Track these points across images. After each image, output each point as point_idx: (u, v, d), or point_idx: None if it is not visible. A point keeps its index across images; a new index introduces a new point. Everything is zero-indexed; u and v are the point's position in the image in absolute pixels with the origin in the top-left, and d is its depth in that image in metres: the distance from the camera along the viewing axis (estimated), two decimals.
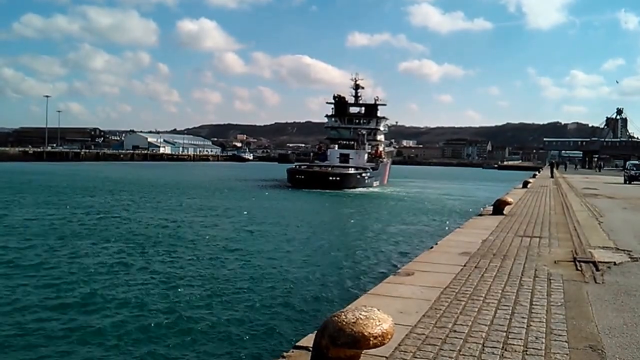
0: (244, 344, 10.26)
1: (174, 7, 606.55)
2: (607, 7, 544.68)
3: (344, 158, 65.13)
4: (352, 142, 68.80)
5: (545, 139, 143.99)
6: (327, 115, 75.91)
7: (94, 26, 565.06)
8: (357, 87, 75.45)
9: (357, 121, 74.18)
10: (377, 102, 75.03)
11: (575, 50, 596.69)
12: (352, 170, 58.83)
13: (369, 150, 69.32)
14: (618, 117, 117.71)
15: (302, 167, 62.50)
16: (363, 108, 75.59)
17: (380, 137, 77.51)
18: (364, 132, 69.48)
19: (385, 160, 73.57)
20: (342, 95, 74.76)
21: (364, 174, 59.82)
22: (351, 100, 75.35)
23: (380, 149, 73.89)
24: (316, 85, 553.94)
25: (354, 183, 57.23)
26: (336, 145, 69.43)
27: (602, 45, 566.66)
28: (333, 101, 74.53)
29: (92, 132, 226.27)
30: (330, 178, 55.19)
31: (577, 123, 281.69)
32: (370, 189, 58.83)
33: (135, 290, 13.83)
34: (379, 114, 75.23)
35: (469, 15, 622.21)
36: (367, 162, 65.86)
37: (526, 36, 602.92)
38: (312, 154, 75.59)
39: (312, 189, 52.03)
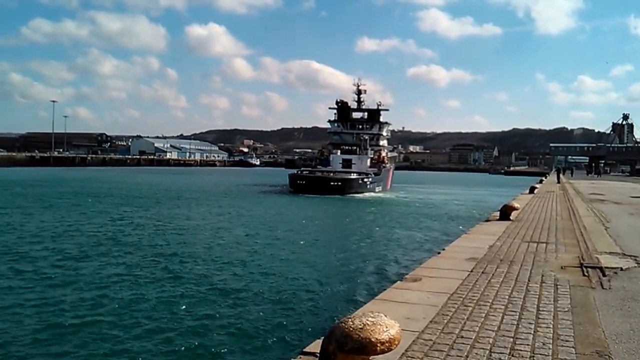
0: (251, 351, 10.28)
1: (183, 12, 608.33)
2: (617, 12, 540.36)
3: (347, 163, 65.04)
4: (355, 148, 68.82)
5: (551, 145, 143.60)
6: (329, 121, 76.12)
7: (102, 31, 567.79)
8: (359, 92, 75.64)
9: (359, 126, 74.28)
10: (380, 107, 75.13)
11: (583, 55, 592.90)
12: (353, 176, 58.60)
13: (372, 156, 69.21)
14: (624, 122, 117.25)
15: (304, 172, 62.43)
16: (366, 113, 75.70)
17: (383, 142, 77.48)
18: (367, 137, 69.47)
19: (388, 165, 73.38)
20: (345, 100, 74.98)
21: (365, 179, 59.60)
22: (354, 105, 75.55)
23: (383, 154, 73.69)
24: (324, 90, 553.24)
25: (356, 188, 56.99)
26: (339, 151, 69.48)
27: (610, 51, 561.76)
28: (336, 106, 74.71)
29: (99, 137, 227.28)
30: (332, 183, 55.01)
31: (584, 128, 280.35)
32: (373, 195, 58.56)
33: (141, 295, 13.90)
34: (381, 119, 75.31)
35: (478, 20, 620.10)
36: (370, 167, 65.67)
37: (535, 42, 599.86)
38: (316, 159, 75.77)
39: (314, 195, 51.94)
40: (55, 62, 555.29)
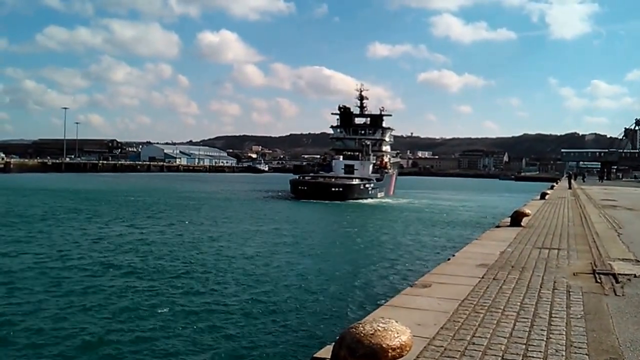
0: (262, 356, 10.27)
1: (197, 20, 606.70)
2: (634, 16, 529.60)
3: (349, 169, 65.07)
4: (357, 153, 68.87)
5: (562, 150, 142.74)
6: (332, 126, 76.37)
7: (116, 38, 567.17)
8: (362, 97, 75.85)
9: (362, 132, 74.40)
10: (383, 113, 75.31)
11: (598, 60, 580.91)
12: (355, 181, 58.41)
13: (374, 161, 69.09)
14: (637, 128, 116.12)
15: (306, 178, 62.49)
16: (368, 119, 75.81)
17: (386, 148, 77.48)
18: (369, 143, 69.51)
19: (390, 171, 73.23)
20: (348, 106, 75.17)
21: (367, 185, 59.47)
22: (357, 111, 75.76)
23: (386, 159, 73.62)
24: (335, 96, 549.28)
25: (357, 194, 56.87)
26: (341, 156, 69.55)
27: (626, 55, 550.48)
28: (338, 112, 74.77)
29: (110, 144, 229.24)
30: (333, 189, 54.92)
31: (595, 134, 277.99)
32: (375, 200, 58.41)
33: (148, 301, 13.95)
34: (384, 125, 75.41)
35: (492, 25, 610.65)
36: (372, 172, 65.70)
37: (549, 46, 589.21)
38: (318, 165, 75.87)
39: (315, 200, 51.92)
40: (69, 69, 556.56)
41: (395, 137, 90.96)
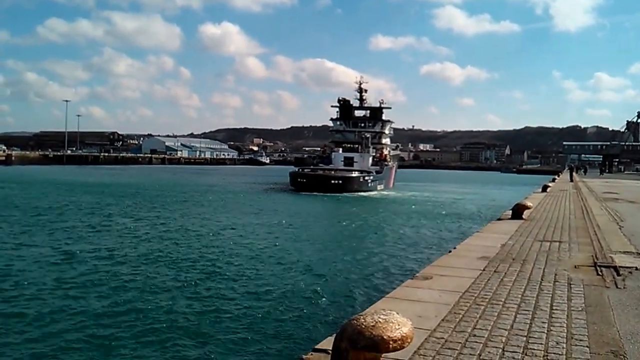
0: (264, 347, 10.30)
1: (199, 12, 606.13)
2: (638, 8, 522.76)
3: (348, 161, 64.93)
4: (357, 146, 68.71)
5: (564, 143, 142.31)
6: (332, 119, 76.10)
7: (117, 30, 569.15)
8: (361, 90, 75.50)
9: (361, 124, 74.04)
10: (382, 106, 75.02)
11: (602, 52, 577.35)
12: (355, 174, 58.28)
13: (374, 154, 68.98)
14: (639, 120, 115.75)
15: (305, 170, 62.42)
16: (368, 111, 75.56)
17: (386, 141, 77.26)
18: (369, 136, 69.34)
19: (390, 163, 73.00)
20: (347, 98, 74.91)
21: (367, 178, 59.35)
22: (356, 103, 75.48)
23: (385, 152, 73.35)
24: (336, 89, 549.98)
25: (357, 186, 56.76)
26: (340, 149, 69.49)
27: (630, 48, 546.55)
28: (338, 104, 74.57)
29: (111, 136, 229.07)
30: (333, 181, 54.82)
31: (597, 127, 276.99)
32: (374, 193, 58.31)
33: (151, 294, 13.99)
34: (384, 117, 75.14)
35: (495, 17, 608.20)
36: (372, 165, 65.61)
37: (553, 39, 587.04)
38: (317, 157, 75.74)
39: (315, 193, 51.91)
40: (70, 61, 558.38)
41: (396, 129, 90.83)
